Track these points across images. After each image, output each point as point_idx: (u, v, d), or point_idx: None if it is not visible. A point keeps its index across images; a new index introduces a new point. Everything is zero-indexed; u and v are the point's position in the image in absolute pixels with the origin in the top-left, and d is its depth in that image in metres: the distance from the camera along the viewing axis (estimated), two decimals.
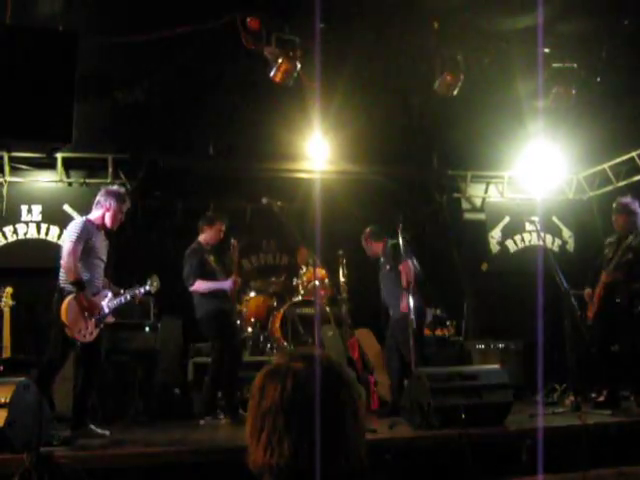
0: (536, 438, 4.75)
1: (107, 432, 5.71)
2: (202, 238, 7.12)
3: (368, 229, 7.51)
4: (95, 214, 5.80)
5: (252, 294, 8.55)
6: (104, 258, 5.85)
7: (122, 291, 5.99)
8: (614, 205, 7.06)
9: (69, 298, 5.37)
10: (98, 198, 5.86)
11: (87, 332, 5.49)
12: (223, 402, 6.83)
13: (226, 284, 6.97)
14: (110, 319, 5.89)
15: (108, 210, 5.79)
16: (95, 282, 5.68)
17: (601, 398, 6.79)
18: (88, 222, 5.68)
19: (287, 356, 1.62)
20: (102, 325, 5.71)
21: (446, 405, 5.26)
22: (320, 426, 1.47)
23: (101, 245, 5.82)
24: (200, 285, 6.84)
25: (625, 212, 6.88)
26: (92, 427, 5.61)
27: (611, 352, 6.98)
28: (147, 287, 6.23)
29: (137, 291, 6.11)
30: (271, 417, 1.51)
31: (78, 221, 5.69)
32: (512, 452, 4.85)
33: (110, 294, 5.84)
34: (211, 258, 7.08)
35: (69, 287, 5.43)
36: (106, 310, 5.75)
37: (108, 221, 5.82)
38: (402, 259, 6.85)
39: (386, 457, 4.59)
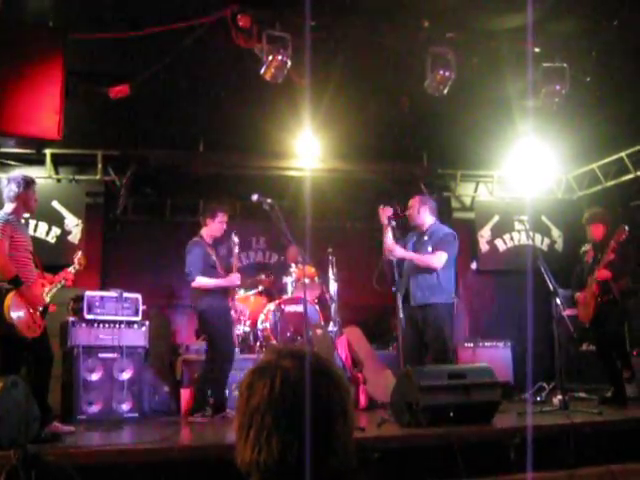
0: (524, 436, 4.76)
1: (72, 428, 5.68)
2: (204, 232, 7.08)
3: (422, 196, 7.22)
4: (10, 207, 5.55)
5: (241, 292, 8.55)
6: (31, 248, 5.65)
7: (54, 277, 5.83)
8: (588, 216, 7.22)
9: (10, 296, 5.21)
10: (4, 190, 5.62)
11: (35, 326, 5.38)
12: (212, 399, 6.81)
13: (230, 280, 6.99)
14: (52, 308, 5.76)
15: (18, 199, 5.56)
16: (29, 275, 5.50)
17: (608, 394, 6.91)
18: (9, 216, 5.45)
19: (275, 354, 1.61)
20: (46, 316, 5.58)
21: (434, 403, 5.27)
22: (309, 424, 1.47)
23: (26, 236, 5.67)
24: (201, 281, 6.81)
25: (604, 222, 7.12)
26: (56, 424, 5.56)
27: (612, 353, 7.10)
28: (76, 266, 6.04)
29: (65, 275, 5.92)
30: (259, 415, 1.51)
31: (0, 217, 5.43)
32: (500, 450, 4.86)
33: (46, 283, 5.71)
34: (213, 252, 7.05)
35: (6, 285, 5.25)
36: (47, 300, 5.63)
37: (24, 210, 5.68)
38: (449, 245, 6.66)
39: (374, 455, 4.59)
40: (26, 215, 6.16)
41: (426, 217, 6.84)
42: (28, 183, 5.66)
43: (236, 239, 7.29)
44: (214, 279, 6.91)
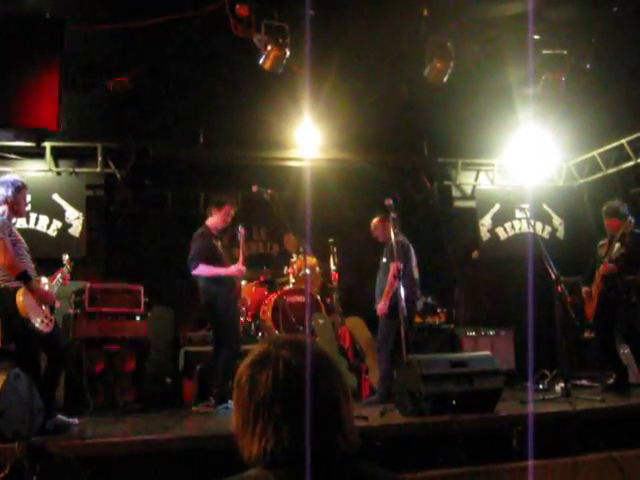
0: (526, 424, 4.76)
1: (76, 420, 5.69)
2: (210, 222, 6.98)
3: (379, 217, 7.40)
4: (1, 209, 5.42)
5: (243, 282, 8.54)
6: (28, 247, 5.58)
7: (53, 276, 5.80)
8: (605, 209, 7.16)
9: (21, 292, 5.16)
10: None
11: (47, 320, 5.35)
12: (215, 390, 6.78)
13: (232, 270, 6.90)
14: (57, 304, 5.72)
15: (7, 204, 5.43)
16: (30, 273, 5.42)
17: (610, 381, 6.99)
18: (2, 217, 5.34)
19: (272, 344, 1.58)
20: (54, 311, 5.56)
21: (437, 392, 5.27)
22: (317, 410, 1.47)
23: (22, 236, 5.58)
24: (203, 269, 6.71)
25: (617, 216, 7.02)
26: (60, 416, 5.57)
27: (614, 343, 7.13)
28: (67, 266, 5.99)
29: (62, 273, 5.89)
30: (266, 406, 1.49)
31: None
32: (502, 438, 4.87)
33: (47, 280, 5.68)
34: (218, 244, 7.00)
35: (15, 283, 5.20)
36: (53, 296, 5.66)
37: (13, 214, 5.53)
38: (395, 259, 6.75)
39: (377, 444, 4.60)
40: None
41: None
42: (18, 188, 5.51)
43: (242, 230, 7.22)
44: (217, 268, 6.84)
